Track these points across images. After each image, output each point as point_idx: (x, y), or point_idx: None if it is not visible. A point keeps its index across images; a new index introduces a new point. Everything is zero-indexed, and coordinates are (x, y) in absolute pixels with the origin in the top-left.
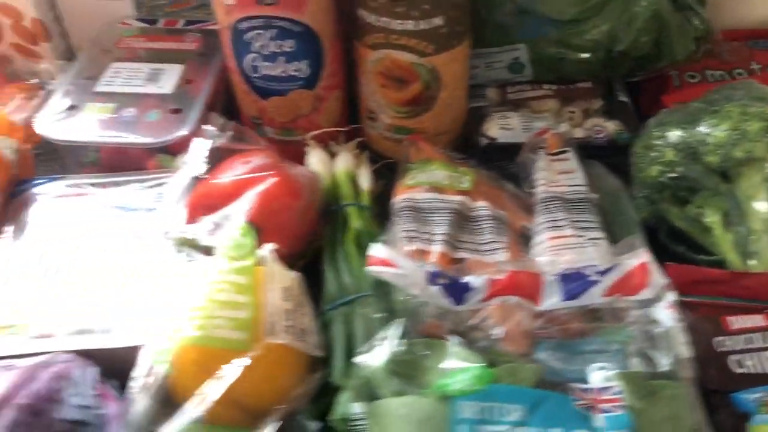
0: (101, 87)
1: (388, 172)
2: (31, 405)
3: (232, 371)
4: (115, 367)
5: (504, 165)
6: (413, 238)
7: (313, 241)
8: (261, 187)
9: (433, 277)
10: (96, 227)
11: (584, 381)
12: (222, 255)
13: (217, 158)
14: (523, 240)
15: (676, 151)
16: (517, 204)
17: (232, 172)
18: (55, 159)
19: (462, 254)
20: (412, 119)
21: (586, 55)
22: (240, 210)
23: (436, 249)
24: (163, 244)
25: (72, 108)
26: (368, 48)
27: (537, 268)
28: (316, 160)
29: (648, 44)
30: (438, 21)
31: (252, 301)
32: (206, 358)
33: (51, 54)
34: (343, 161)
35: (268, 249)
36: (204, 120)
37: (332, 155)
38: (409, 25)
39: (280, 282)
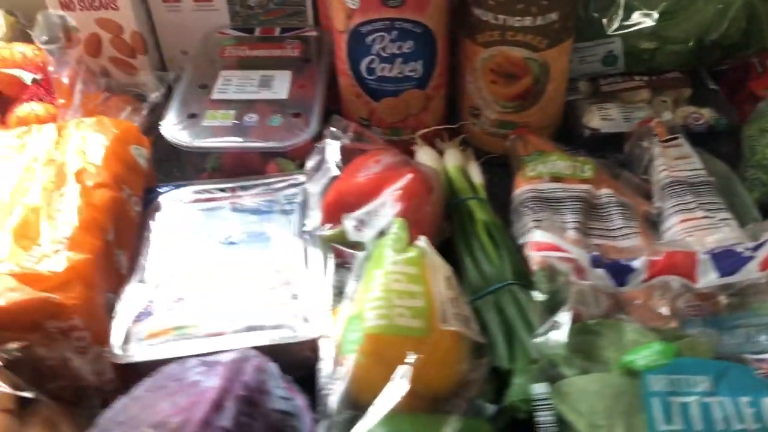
0: (217, 95)
1: (490, 167)
2: (247, 396)
3: (414, 359)
4: (281, 361)
5: (609, 154)
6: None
7: (439, 234)
8: (399, 184)
9: (595, 261)
10: (233, 230)
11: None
12: (388, 247)
13: (343, 158)
14: (648, 224)
15: None
16: (634, 190)
17: (367, 171)
18: (173, 166)
19: (594, 240)
20: (519, 114)
21: (678, 46)
22: (386, 206)
23: (571, 236)
24: (305, 243)
25: (192, 116)
26: (479, 45)
27: (690, 247)
28: (426, 157)
29: (738, 33)
30: (553, 16)
31: (424, 290)
32: (390, 347)
33: (147, 66)
34: (453, 157)
35: (424, 241)
36: (323, 123)
37: (440, 152)
38: (527, 21)
39: (442, 271)
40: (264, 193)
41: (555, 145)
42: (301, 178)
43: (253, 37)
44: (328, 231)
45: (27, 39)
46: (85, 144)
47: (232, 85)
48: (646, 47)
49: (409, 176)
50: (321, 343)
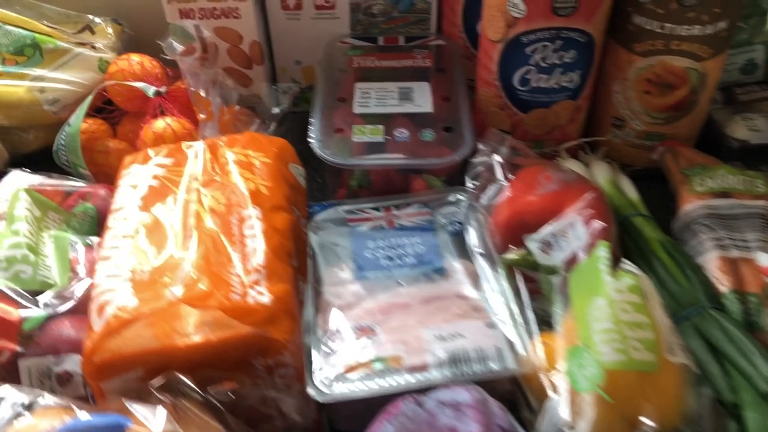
0: (358, 109)
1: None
2: None
3: (649, 394)
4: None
5: (761, 167)
6: (726, 246)
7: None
8: (584, 203)
9: None
10: (400, 252)
11: None
12: (605, 273)
13: (502, 173)
14: None
15: None
16: None
17: (543, 188)
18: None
19: None
20: (669, 125)
21: None
22: (575, 226)
23: (761, 257)
24: (483, 266)
25: (339, 131)
26: (636, 54)
27: None
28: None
29: None
30: (723, 24)
31: (650, 320)
32: (628, 383)
33: (261, 77)
34: (602, 171)
35: (632, 266)
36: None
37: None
38: (696, 29)
39: (656, 298)
40: (420, 211)
41: (711, 158)
42: (459, 195)
43: (379, 46)
44: (511, 254)
45: (136, 49)
46: (249, 163)
47: (372, 97)
48: None
49: (592, 195)
50: (527, 377)
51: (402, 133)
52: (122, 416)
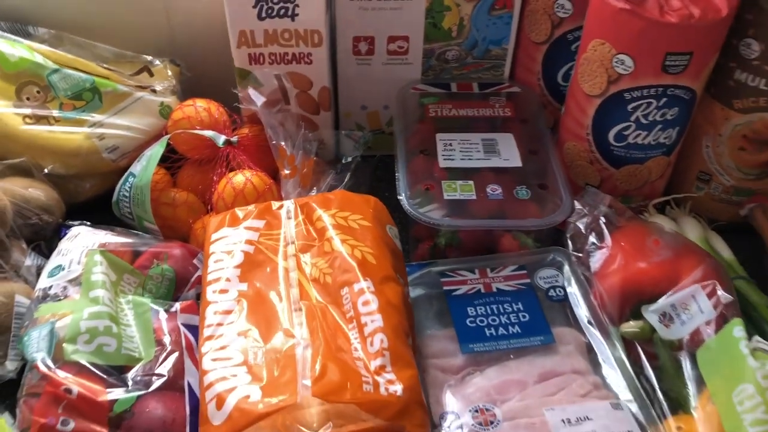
0: (443, 162)
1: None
2: None
3: None
4: None
5: None
6: None
7: None
8: (701, 272)
9: None
10: (503, 321)
11: None
12: (748, 356)
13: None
14: None
15: None
16: None
17: (654, 255)
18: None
19: None
20: (759, 181)
21: None
22: (697, 298)
23: None
24: (594, 336)
25: (428, 189)
26: (734, 110)
27: None
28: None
29: None
30: None
31: None
32: None
33: (328, 123)
34: (693, 228)
35: (765, 343)
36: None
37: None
38: None
39: None
40: (517, 274)
41: None
42: (556, 256)
43: (453, 93)
44: (630, 326)
45: (194, 92)
46: (348, 227)
47: (455, 150)
48: None
49: (709, 262)
50: None
51: (495, 190)
52: None
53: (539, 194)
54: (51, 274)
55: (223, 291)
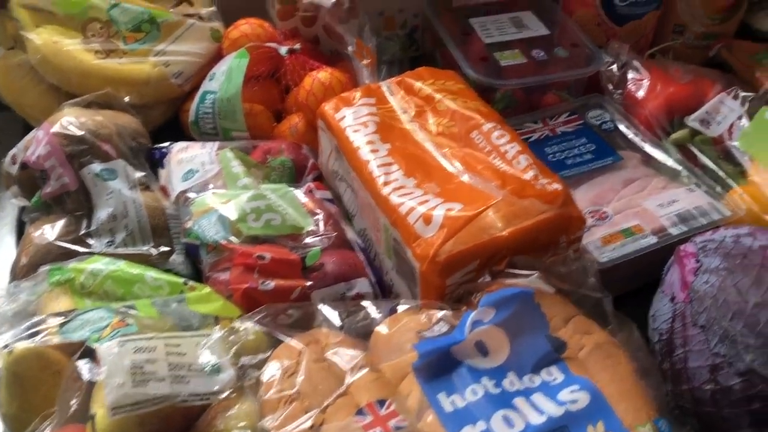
0: (487, 39)
1: None
2: None
3: None
4: None
5: None
6: None
7: None
8: (722, 85)
9: None
10: (572, 152)
11: None
12: None
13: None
14: None
15: None
16: None
17: (681, 79)
18: None
19: None
20: (721, 25)
21: None
22: (725, 103)
23: None
24: (648, 149)
25: (483, 59)
26: None
27: None
28: None
29: None
30: None
31: None
32: None
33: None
34: None
35: None
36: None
37: None
38: None
39: None
40: (571, 118)
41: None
42: (594, 100)
43: None
44: (677, 135)
45: (234, 14)
46: (450, 89)
47: (491, 28)
48: None
49: (722, 78)
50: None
51: (539, 53)
52: (525, 288)
53: (574, 51)
54: (185, 179)
55: (374, 151)
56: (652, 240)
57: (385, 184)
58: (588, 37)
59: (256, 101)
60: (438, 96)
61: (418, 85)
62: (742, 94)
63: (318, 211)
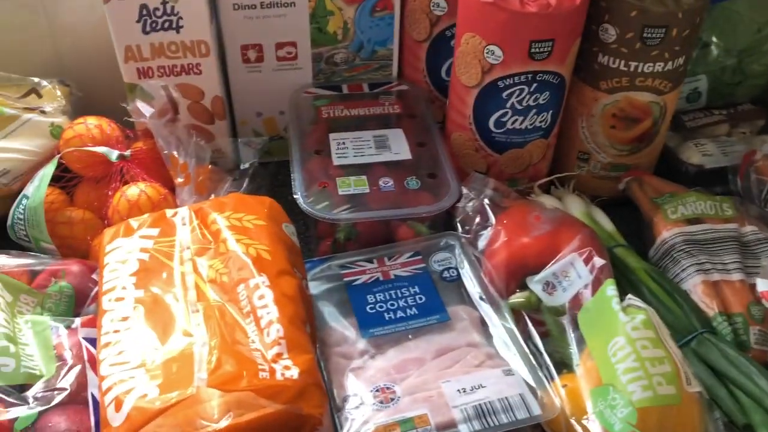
0: (337, 160)
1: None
2: None
3: (675, 427)
4: None
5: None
6: (707, 270)
7: None
8: (578, 242)
9: None
10: (400, 304)
11: None
12: (619, 312)
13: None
14: None
15: None
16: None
17: (536, 229)
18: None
19: (754, 279)
20: (632, 155)
21: (759, 80)
22: (575, 265)
23: (736, 277)
24: (486, 310)
25: (322, 184)
26: (602, 91)
27: None
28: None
29: None
30: (681, 61)
31: (666, 353)
32: (658, 419)
33: (224, 132)
34: (576, 204)
35: (636, 299)
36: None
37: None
38: (658, 66)
39: (665, 329)
40: (413, 260)
41: (672, 184)
42: (448, 240)
43: (344, 94)
44: (517, 298)
45: (86, 111)
46: (243, 227)
47: (348, 148)
48: (729, 82)
49: (586, 232)
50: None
51: (387, 182)
52: None
53: (429, 183)
54: None
55: (119, 299)
56: None
57: (105, 346)
58: (452, 167)
59: (89, 207)
60: (226, 234)
61: (213, 216)
62: (595, 257)
63: (66, 356)
